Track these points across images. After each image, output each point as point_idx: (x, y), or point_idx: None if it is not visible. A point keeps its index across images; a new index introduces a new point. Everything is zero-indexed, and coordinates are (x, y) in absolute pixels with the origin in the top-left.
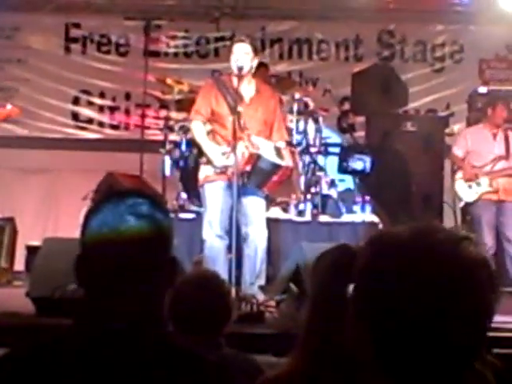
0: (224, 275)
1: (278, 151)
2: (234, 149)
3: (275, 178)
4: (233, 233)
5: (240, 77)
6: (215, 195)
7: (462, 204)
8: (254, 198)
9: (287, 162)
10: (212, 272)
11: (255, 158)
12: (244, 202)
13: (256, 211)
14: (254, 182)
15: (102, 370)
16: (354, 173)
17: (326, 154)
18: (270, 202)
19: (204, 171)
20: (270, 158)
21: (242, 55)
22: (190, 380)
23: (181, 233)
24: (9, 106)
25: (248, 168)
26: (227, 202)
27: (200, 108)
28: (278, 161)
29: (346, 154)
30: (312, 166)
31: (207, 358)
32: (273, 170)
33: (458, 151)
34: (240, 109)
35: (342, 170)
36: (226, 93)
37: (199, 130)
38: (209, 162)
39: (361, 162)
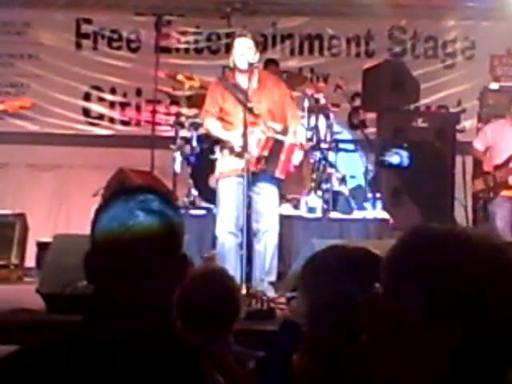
0: (235, 272)
1: (284, 130)
2: (245, 143)
3: (283, 156)
4: (244, 229)
5: (243, 71)
6: (228, 191)
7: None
8: (267, 189)
9: (290, 139)
10: (220, 268)
11: (272, 143)
12: (256, 199)
13: (268, 207)
14: (270, 168)
15: (110, 367)
16: (390, 167)
17: (337, 150)
18: (281, 198)
19: (218, 168)
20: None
21: (245, 50)
22: (198, 378)
23: (191, 229)
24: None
25: (265, 153)
26: (240, 198)
27: (209, 108)
28: (280, 137)
29: (383, 148)
30: (323, 162)
31: (216, 355)
32: (277, 147)
33: (478, 145)
34: (250, 105)
35: (380, 164)
36: (232, 88)
37: (214, 124)
38: (226, 152)
39: (397, 157)
